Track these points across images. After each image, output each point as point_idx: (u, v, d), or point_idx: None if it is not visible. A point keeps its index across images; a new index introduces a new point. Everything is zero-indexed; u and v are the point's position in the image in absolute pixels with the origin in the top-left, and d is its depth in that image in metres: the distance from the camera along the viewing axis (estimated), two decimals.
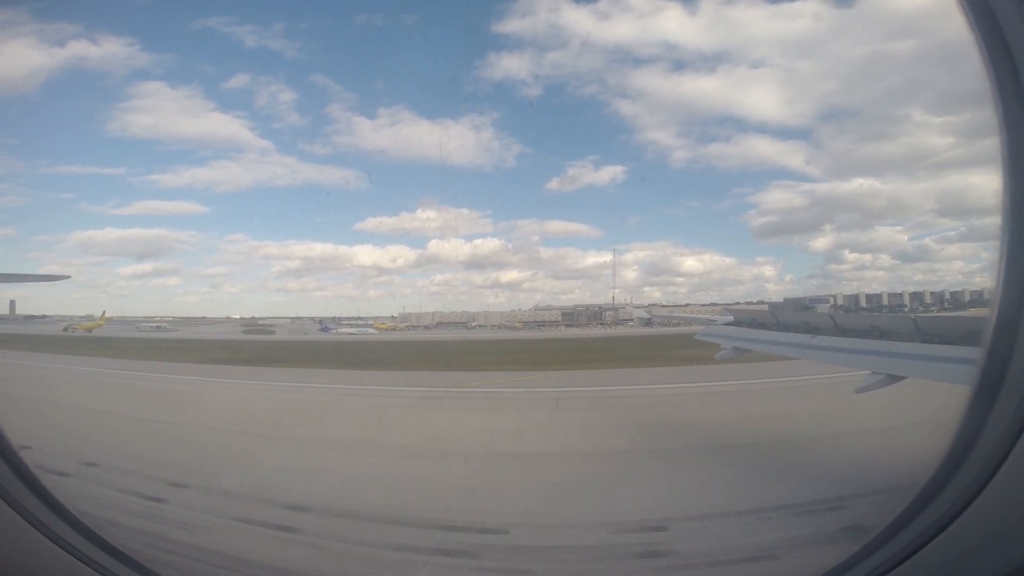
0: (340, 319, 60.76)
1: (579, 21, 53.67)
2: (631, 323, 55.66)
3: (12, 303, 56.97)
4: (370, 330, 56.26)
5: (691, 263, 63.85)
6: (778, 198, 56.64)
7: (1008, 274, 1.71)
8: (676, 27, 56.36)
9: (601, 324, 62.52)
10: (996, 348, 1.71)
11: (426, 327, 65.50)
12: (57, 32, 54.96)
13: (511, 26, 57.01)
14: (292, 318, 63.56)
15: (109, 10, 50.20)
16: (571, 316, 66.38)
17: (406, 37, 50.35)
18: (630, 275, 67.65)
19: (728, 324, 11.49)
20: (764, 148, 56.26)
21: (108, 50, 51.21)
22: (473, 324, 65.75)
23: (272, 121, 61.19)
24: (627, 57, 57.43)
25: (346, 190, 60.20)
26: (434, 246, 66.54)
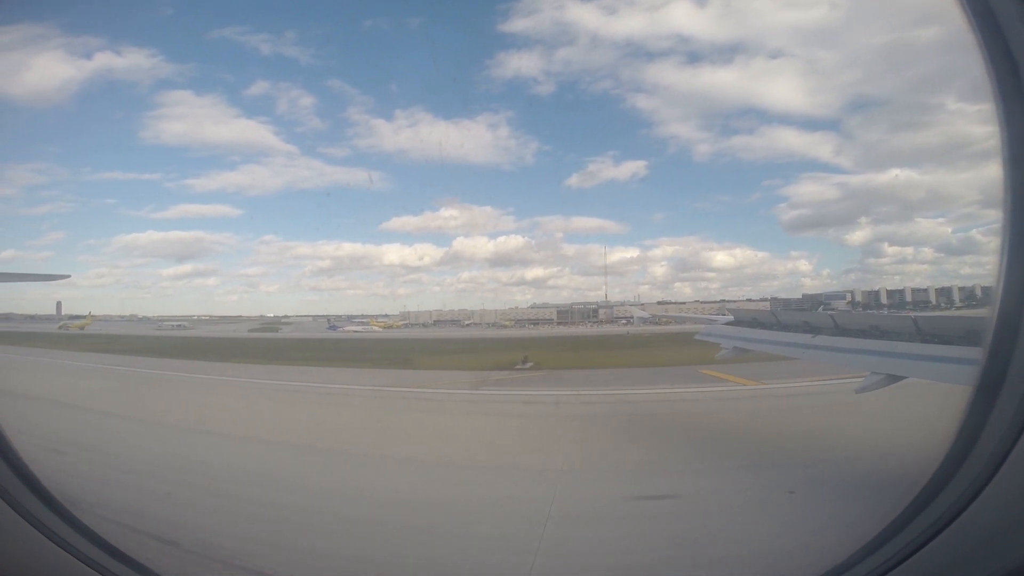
0: (353, 317, 61.95)
1: (585, 17, 53.39)
2: (624, 321, 55.37)
3: (59, 304, 60.89)
4: (375, 328, 56.94)
5: (722, 258, 62.80)
6: (810, 190, 55.26)
7: (1009, 273, 1.71)
8: (686, 19, 55.82)
9: (594, 322, 62.44)
10: (997, 348, 1.70)
11: (423, 325, 66.08)
12: (83, 44, 56.90)
13: (517, 25, 56.92)
14: (314, 316, 65.36)
15: (128, 22, 52.04)
16: (566, 314, 66.39)
17: (412, 40, 51.15)
18: (659, 271, 66.90)
19: (728, 324, 11.48)
20: (791, 139, 54.74)
21: (132, 61, 53.31)
22: (467, 322, 66.09)
23: (294, 126, 63.16)
24: (639, 51, 56.81)
25: (370, 191, 61.39)
26: (459, 244, 67.18)
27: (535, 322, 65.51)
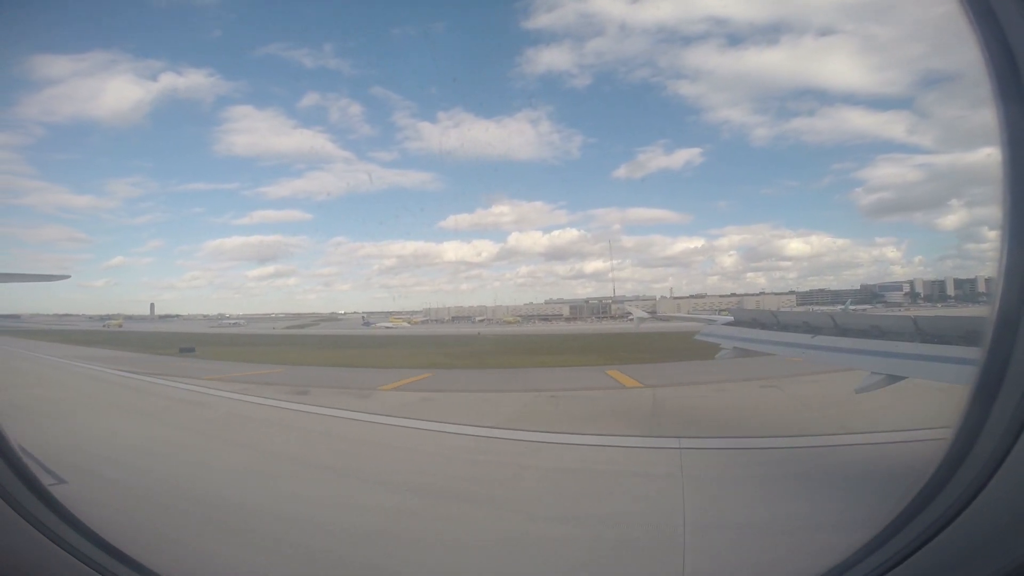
0: (391, 314, 66.16)
1: (611, 6, 51.40)
2: (629, 317, 55.07)
3: (152, 305, 69.50)
4: (405, 324, 57.91)
5: (796, 246, 59.17)
6: (888, 173, 50.88)
7: (1008, 273, 1.71)
8: (717, 0, 52.93)
9: (601, 318, 62.27)
10: (996, 347, 1.71)
11: (439, 321, 66.87)
12: (148, 67, 60.80)
13: (540, 21, 55.51)
14: (363, 314, 69.07)
15: (183, 44, 55.59)
16: (577, 310, 66.26)
17: (440, 43, 52.06)
18: (727, 261, 63.91)
19: (727, 324, 11.47)
20: (858, 120, 50.62)
21: (193, 80, 56.46)
22: (479, 319, 66.44)
23: (348, 133, 66.15)
24: (673, 36, 54.40)
25: (425, 191, 63.73)
26: (514, 239, 67.94)
27: (546, 318, 65.55)
